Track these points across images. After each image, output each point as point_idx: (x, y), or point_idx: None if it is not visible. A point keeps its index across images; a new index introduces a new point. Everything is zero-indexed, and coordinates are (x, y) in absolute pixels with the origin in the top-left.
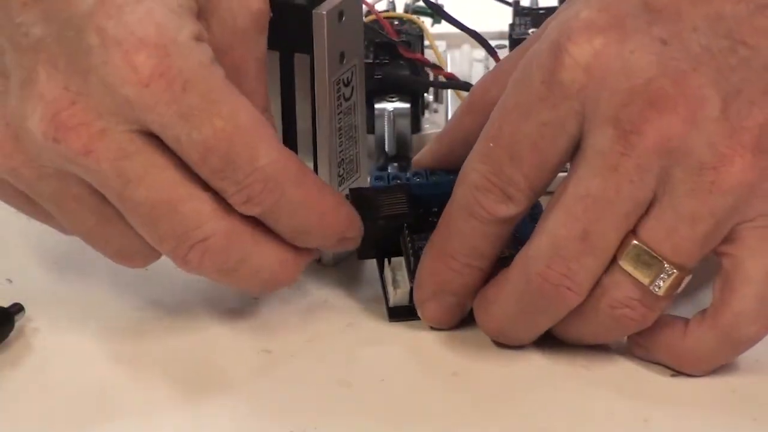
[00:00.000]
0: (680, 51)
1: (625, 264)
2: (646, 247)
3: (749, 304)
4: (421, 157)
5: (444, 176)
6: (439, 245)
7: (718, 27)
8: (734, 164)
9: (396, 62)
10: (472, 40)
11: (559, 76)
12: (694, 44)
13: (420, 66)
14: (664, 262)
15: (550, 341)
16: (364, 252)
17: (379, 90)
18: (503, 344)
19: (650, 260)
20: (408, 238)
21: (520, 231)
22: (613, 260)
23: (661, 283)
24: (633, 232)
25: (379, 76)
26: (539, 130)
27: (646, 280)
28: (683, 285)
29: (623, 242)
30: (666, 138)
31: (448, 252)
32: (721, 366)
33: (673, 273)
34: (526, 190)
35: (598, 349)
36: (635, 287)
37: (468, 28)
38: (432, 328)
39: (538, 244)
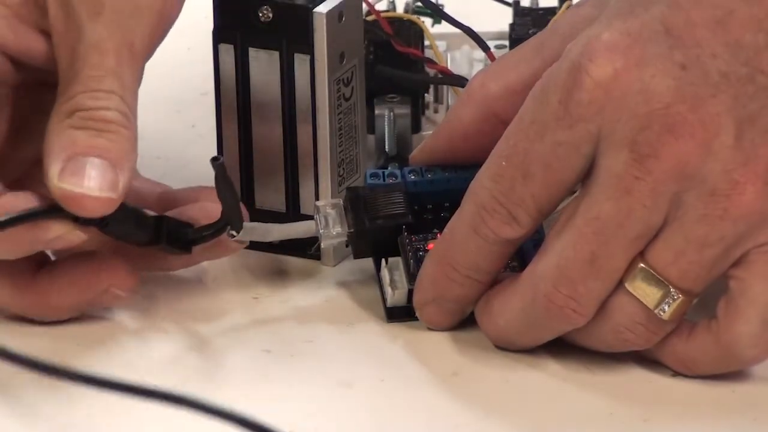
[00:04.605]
0: (699, 77)
1: (631, 287)
2: (653, 271)
3: (753, 328)
4: (418, 153)
5: (439, 173)
6: (442, 254)
7: (738, 55)
8: (746, 192)
9: (392, 60)
10: (473, 40)
11: (577, 97)
12: (713, 71)
13: (421, 62)
14: (671, 287)
15: (550, 341)
16: (360, 252)
17: (377, 89)
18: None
19: (656, 284)
20: (406, 239)
21: None
22: (620, 283)
23: (666, 308)
24: (641, 254)
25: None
26: (554, 150)
27: (651, 304)
28: (688, 309)
29: (630, 265)
30: (682, 163)
31: (450, 262)
32: None
33: (679, 297)
34: (534, 213)
35: None
36: (640, 310)
37: (463, 25)
38: (430, 332)
39: (546, 264)
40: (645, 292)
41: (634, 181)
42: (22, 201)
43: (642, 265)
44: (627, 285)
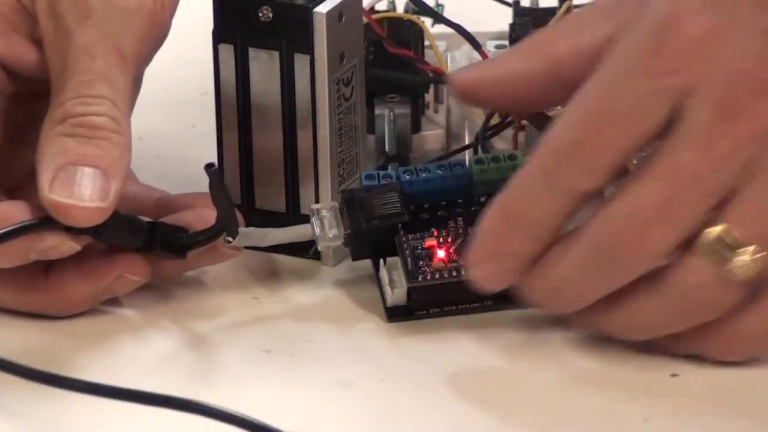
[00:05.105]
0: None
1: (703, 247)
2: (726, 232)
3: None
4: (461, 78)
5: (434, 172)
6: (508, 205)
7: None
8: None
9: (389, 61)
10: (474, 40)
11: (669, 47)
12: None
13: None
14: (744, 248)
15: (550, 341)
16: (358, 253)
17: (377, 89)
18: (503, 343)
19: (730, 245)
20: (403, 238)
21: None
22: (692, 242)
23: (738, 270)
24: (717, 214)
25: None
26: (641, 100)
27: (723, 265)
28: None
29: (704, 224)
30: (765, 125)
31: (516, 214)
32: (720, 365)
33: (753, 259)
34: (611, 165)
35: (598, 348)
36: (712, 272)
37: (456, 24)
38: (430, 332)
39: (617, 206)
40: (718, 253)
41: (718, 137)
42: (18, 211)
43: (716, 225)
44: (700, 245)
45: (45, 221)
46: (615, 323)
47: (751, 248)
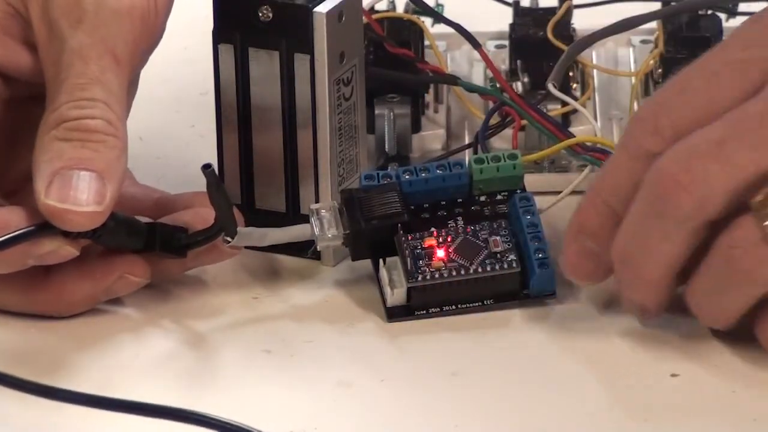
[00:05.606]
0: None
1: (755, 203)
2: None
3: None
4: None
5: (433, 171)
6: (594, 180)
7: None
8: None
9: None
10: (474, 40)
11: (764, 20)
12: None
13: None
14: None
15: (550, 341)
16: (358, 253)
17: (376, 89)
18: (503, 343)
19: None
20: (402, 238)
21: (515, 224)
22: (745, 203)
23: None
24: None
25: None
26: (720, 68)
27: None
28: None
29: (761, 183)
30: None
31: (596, 185)
32: (720, 366)
33: None
34: (678, 126)
35: (598, 348)
36: (758, 228)
37: (455, 23)
38: (430, 332)
39: (672, 149)
40: (766, 212)
41: None
42: (15, 216)
43: None
44: (753, 202)
45: (42, 227)
46: (691, 305)
47: None
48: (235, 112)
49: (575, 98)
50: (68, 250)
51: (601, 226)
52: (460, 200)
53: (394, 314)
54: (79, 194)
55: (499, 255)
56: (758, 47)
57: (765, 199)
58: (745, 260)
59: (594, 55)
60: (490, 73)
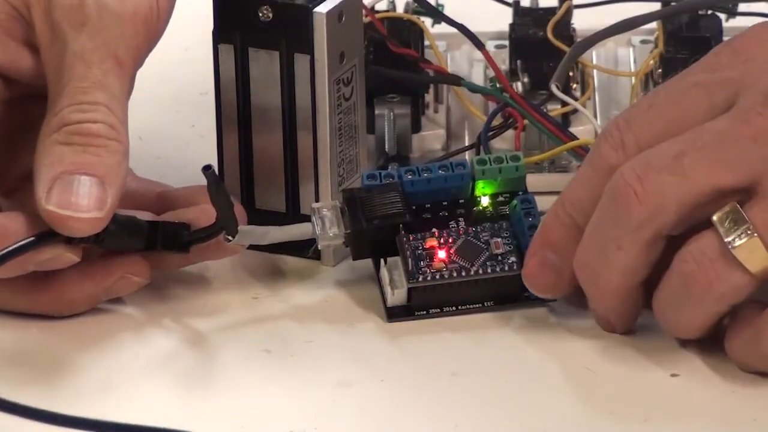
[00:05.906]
0: None
1: (718, 216)
2: (747, 208)
3: None
4: None
5: (436, 172)
6: (559, 196)
7: None
8: None
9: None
10: (477, 39)
11: (730, 47)
12: None
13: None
14: (751, 229)
15: (550, 341)
16: (359, 253)
17: (376, 89)
18: (503, 344)
19: (744, 220)
20: (404, 238)
21: (516, 226)
22: (706, 218)
23: (741, 250)
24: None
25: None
26: (688, 88)
27: (729, 237)
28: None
29: (718, 200)
30: None
31: (561, 201)
32: (720, 366)
33: (759, 248)
34: (642, 141)
35: (598, 348)
36: (716, 241)
37: (458, 23)
38: (430, 332)
39: (640, 155)
40: (730, 220)
41: (756, 116)
42: (15, 223)
43: (734, 204)
44: (717, 215)
45: (42, 237)
46: (657, 317)
47: (762, 240)
48: (235, 112)
49: (575, 98)
50: (69, 257)
51: (564, 238)
52: (462, 201)
53: (394, 314)
54: (79, 200)
55: (500, 257)
56: (726, 70)
57: (724, 215)
58: (703, 275)
59: (594, 55)
60: (489, 74)
